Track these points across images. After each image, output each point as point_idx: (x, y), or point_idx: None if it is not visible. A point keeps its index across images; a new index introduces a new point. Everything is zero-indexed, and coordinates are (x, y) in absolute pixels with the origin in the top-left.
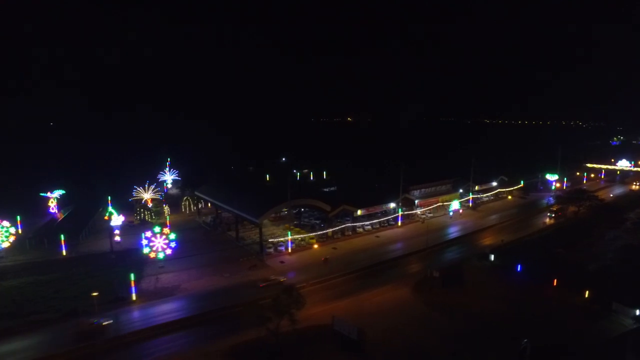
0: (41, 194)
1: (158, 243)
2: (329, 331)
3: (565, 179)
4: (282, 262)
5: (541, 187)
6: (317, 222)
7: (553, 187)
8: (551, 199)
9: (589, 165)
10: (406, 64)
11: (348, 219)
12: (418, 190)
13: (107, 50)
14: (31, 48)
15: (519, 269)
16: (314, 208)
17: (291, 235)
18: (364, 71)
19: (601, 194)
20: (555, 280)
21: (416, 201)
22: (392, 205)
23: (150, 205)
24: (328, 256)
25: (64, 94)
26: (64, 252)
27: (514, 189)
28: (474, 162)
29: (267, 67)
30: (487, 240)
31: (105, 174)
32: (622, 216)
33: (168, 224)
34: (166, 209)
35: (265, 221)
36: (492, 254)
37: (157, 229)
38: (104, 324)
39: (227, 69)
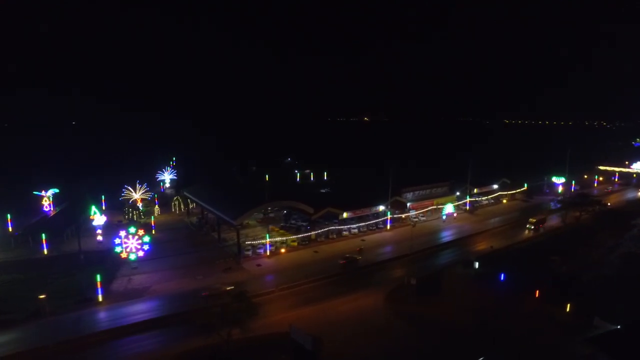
0: (34, 192)
1: (131, 244)
2: (287, 340)
3: (573, 181)
4: (258, 265)
5: (547, 190)
6: (304, 224)
7: (560, 191)
8: (556, 202)
9: (601, 167)
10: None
11: (336, 221)
12: (411, 193)
13: (113, 49)
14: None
15: (502, 278)
16: (298, 210)
17: (275, 237)
18: (381, 71)
19: (612, 198)
20: (538, 292)
21: (408, 204)
22: (382, 208)
23: (140, 205)
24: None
25: (64, 94)
26: (46, 251)
27: (516, 192)
28: (471, 163)
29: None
30: (478, 246)
31: (103, 172)
32: (630, 222)
33: (153, 224)
34: (156, 209)
35: (253, 222)
36: (478, 261)
37: (132, 230)
38: None
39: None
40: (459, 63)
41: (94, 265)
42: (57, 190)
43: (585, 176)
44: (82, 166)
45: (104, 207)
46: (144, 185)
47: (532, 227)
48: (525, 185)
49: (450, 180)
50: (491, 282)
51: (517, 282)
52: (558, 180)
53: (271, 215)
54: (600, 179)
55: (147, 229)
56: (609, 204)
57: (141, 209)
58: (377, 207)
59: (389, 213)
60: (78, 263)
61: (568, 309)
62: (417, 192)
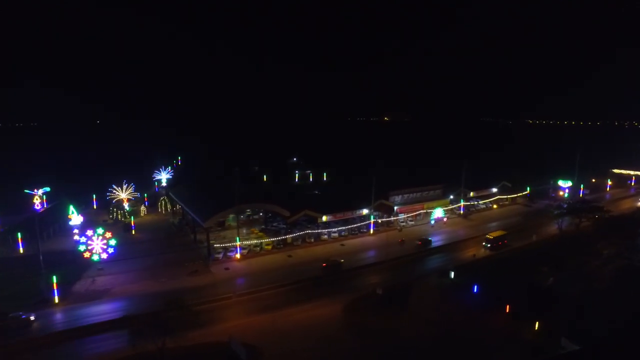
0: (26, 191)
1: (96, 245)
2: (226, 350)
3: (582, 185)
4: (227, 268)
5: (553, 195)
6: (285, 227)
7: (566, 195)
8: (556, 208)
9: (615, 171)
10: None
11: (318, 224)
12: (400, 196)
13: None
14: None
15: (475, 290)
16: (274, 213)
17: (252, 239)
18: (404, 71)
19: (625, 204)
20: (508, 307)
21: (395, 207)
22: (365, 211)
23: (126, 204)
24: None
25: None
26: (21, 250)
27: (517, 196)
28: (466, 165)
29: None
30: (462, 254)
31: (103, 172)
32: (637, 231)
33: (133, 224)
34: (142, 209)
35: (235, 224)
36: (454, 270)
37: (100, 231)
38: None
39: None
40: (478, 62)
41: (64, 266)
42: (48, 189)
43: (593, 180)
44: (81, 165)
45: (95, 207)
46: (131, 185)
47: (489, 245)
48: (528, 188)
49: (444, 183)
50: (464, 294)
51: (491, 294)
52: (564, 183)
53: (255, 217)
54: (610, 182)
55: (127, 229)
56: (611, 210)
57: (127, 208)
58: (361, 211)
59: (372, 217)
60: (51, 263)
61: (537, 327)
62: (406, 196)
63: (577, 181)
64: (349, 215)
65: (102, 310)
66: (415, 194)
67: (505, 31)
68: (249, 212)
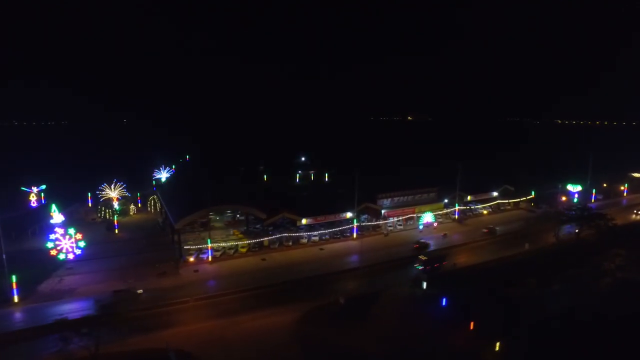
0: (22, 188)
1: (64, 244)
2: (163, 356)
3: (594, 190)
4: (196, 271)
5: (561, 200)
6: (270, 229)
7: (575, 200)
8: (570, 212)
9: (635, 175)
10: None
11: (301, 227)
12: (389, 199)
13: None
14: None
15: (444, 304)
16: (252, 215)
17: (230, 241)
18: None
19: None
20: (473, 324)
21: (383, 211)
22: (349, 214)
23: (115, 203)
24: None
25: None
26: None
27: (521, 201)
28: (461, 168)
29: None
30: (446, 262)
31: (102, 170)
32: None
33: (116, 223)
34: (132, 207)
35: (220, 224)
36: (427, 280)
37: (71, 231)
38: None
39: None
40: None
41: (35, 264)
42: (44, 187)
43: (605, 184)
44: (80, 164)
45: (90, 205)
46: (120, 184)
47: (421, 267)
48: (533, 193)
49: (439, 185)
50: (434, 306)
51: (460, 308)
52: (574, 188)
53: (242, 218)
54: (627, 187)
55: (110, 227)
56: (615, 219)
57: (116, 207)
58: (344, 214)
59: (355, 221)
60: (22, 262)
61: (497, 348)
62: (396, 199)
63: (589, 185)
64: (331, 218)
65: (57, 312)
66: (406, 197)
67: (518, 29)
68: (230, 213)
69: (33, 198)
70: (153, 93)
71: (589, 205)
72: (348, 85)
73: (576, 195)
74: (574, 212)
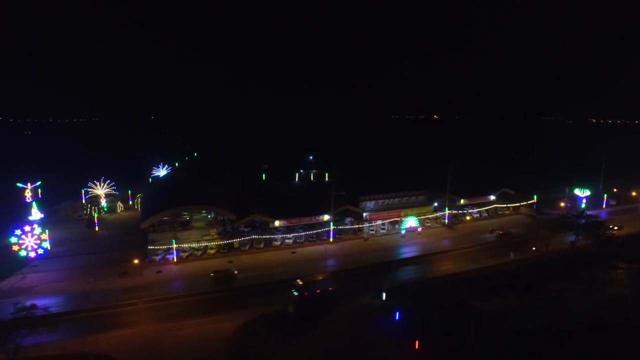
0: (17, 184)
1: (28, 241)
2: None
3: (605, 195)
4: (159, 271)
5: (568, 205)
6: (246, 229)
7: (583, 205)
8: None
9: None
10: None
11: (280, 229)
12: (373, 202)
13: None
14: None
15: (397, 318)
16: (222, 216)
17: (202, 242)
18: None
19: None
20: (417, 343)
21: (364, 214)
22: (327, 217)
23: (103, 200)
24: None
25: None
26: None
27: (521, 205)
28: (452, 169)
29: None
30: (418, 271)
31: (102, 169)
32: None
33: (96, 220)
34: (119, 205)
35: (200, 224)
36: (386, 292)
37: (37, 229)
38: None
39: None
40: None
41: (2, 260)
42: (38, 183)
43: (616, 189)
44: (81, 162)
45: (83, 202)
46: (108, 181)
47: (296, 293)
48: (535, 197)
49: (428, 188)
50: (389, 320)
51: (412, 324)
52: (582, 192)
53: (221, 219)
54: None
55: (90, 225)
56: (616, 228)
57: (103, 204)
58: (321, 216)
59: (332, 224)
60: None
61: None
62: (380, 202)
63: (601, 190)
64: (306, 220)
65: (7, 310)
66: (392, 200)
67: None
68: (205, 213)
69: (28, 194)
70: (163, 92)
71: (599, 212)
72: (378, 83)
73: (584, 201)
74: (573, 219)
